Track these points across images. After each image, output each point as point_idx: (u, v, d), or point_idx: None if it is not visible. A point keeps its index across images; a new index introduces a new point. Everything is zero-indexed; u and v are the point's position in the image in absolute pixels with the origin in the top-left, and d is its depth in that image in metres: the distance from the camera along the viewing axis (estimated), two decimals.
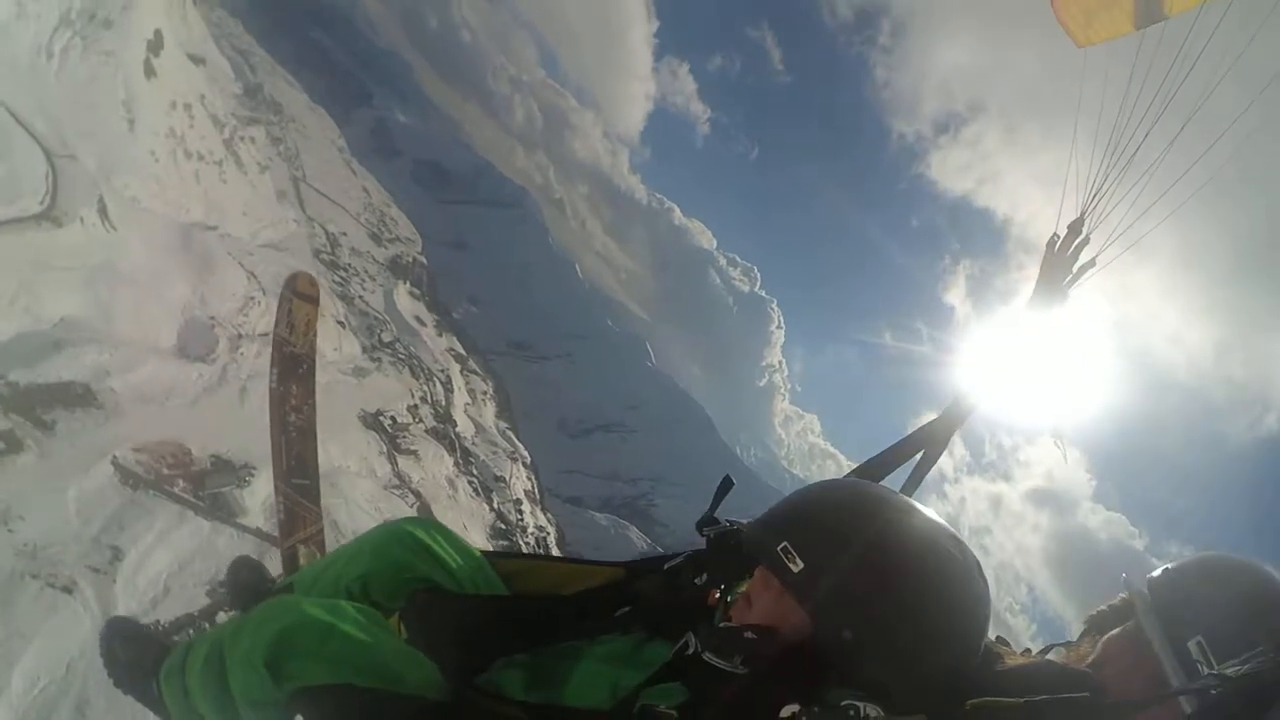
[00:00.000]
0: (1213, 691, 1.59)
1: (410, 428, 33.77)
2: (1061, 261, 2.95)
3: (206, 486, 15.22)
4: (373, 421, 30.61)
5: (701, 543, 2.08)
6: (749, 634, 1.69)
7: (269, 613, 2.00)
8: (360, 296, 44.57)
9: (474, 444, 43.71)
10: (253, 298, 23.54)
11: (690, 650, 1.78)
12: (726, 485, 2.10)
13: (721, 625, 1.82)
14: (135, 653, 2.56)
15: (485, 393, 55.25)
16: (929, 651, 1.62)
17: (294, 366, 4.73)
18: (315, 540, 4.49)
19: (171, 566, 11.83)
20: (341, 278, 44.61)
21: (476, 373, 56.61)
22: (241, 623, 2.08)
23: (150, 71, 20.75)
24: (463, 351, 56.04)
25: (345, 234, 49.23)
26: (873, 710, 1.50)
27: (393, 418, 32.42)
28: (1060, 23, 4.18)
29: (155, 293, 17.07)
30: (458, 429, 42.15)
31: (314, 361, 4.86)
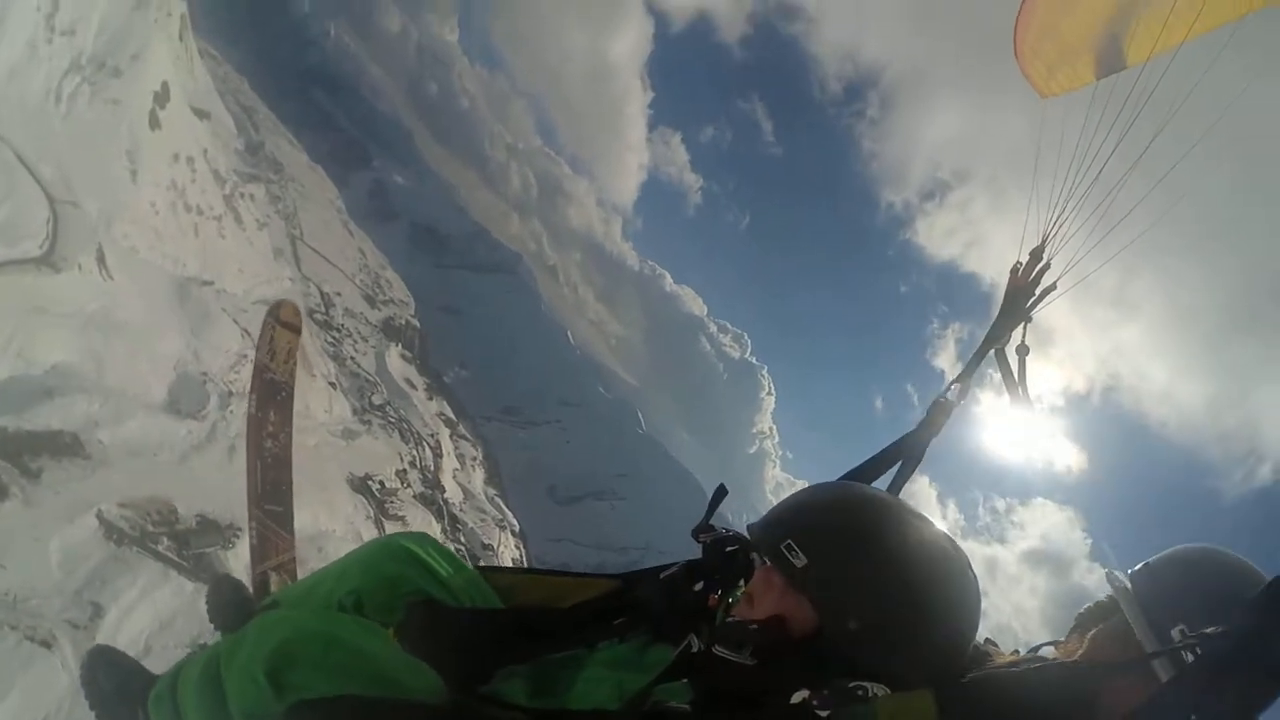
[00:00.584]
0: (1185, 655, 1.71)
1: (398, 492, 33.18)
2: (1024, 286, 3.16)
3: (191, 546, 14.71)
4: (360, 485, 29.99)
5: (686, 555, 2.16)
6: (754, 626, 1.74)
7: (267, 625, 1.96)
8: (352, 358, 44.30)
9: (462, 510, 42.86)
10: (245, 355, 23.00)
11: (695, 650, 1.82)
12: (721, 493, 2.15)
13: (728, 620, 1.85)
14: (120, 680, 2.50)
15: (475, 458, 54.56)
16: (928, 638, 1.70)
17: (273, 393, 4.73)
18: (287, 568, 4.55)
19: (153, 626, 11.45)
20: (334, 338, 44.33)
21: (466, 438, 56.01)
22: (239, 636, 2.02)
23: (155, 123, 20.66)
24: (453, 416, 55.55)
25: (340, 294, 49.14)
26: (879, 689, 1.61)
27: (381, 482, 31.87)
28: (1024, 75, 4.45)
29: (148, 345, 16.68)
30: (446, 495, 41.40)
31: (293, 389, 4.86)
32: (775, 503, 1.98)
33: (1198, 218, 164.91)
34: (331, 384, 35.52)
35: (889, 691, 1.62)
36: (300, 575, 4.25)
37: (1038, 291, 3.15)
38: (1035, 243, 3.24)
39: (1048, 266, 3.19)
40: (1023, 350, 3.09)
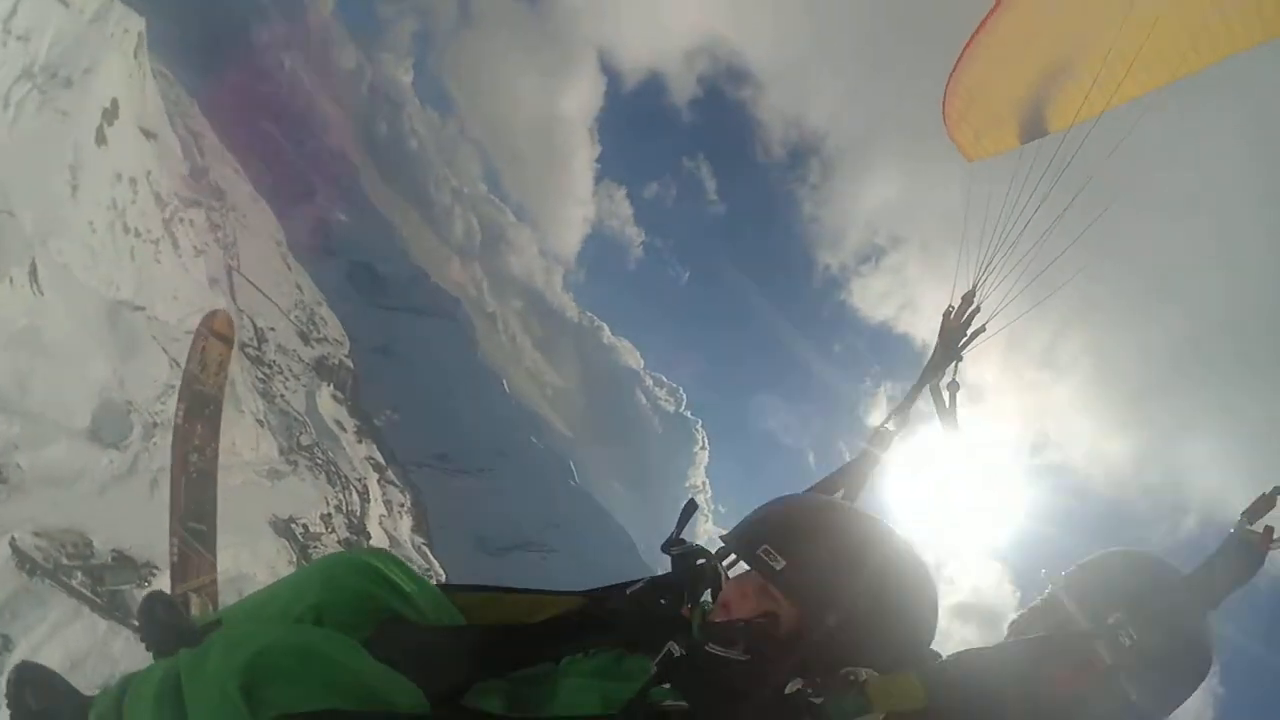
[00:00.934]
0: (1122, 639, 1.90)
1: (322, 537, 32.15)
2: (956, 327, 3.49)
3: (105, 583, 13.91)
4: (284, 528, 28.94)
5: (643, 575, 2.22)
6: (742, 624, 1.83)
7: (237, 638, 1.86)
8: (282, 395, 42.99)
9: None
10: (173, 386, 21.99)
11: (677, 655, 1.85)
12: (691, 507, 2.22)
13: (716, 621, 1.92)
14: (50, 701, 2.31)
15: (403, 505, 52.98)
16: (899, 627, 1.84)
17: (201, 406, 4.78)
18: (209, 590, 4.22)
19: (64, 664, 10.73)
20: (265, 374, 43.01)
21: (394, 484, 54.44)
22: (204, 649, 1.89)
23: (101, 139, 19.89)
24: (382, 461, 54.02)
25: (274, 329, 47.85)
26: (868, 673, 1.74)
27: (305, 526, 30.83)
28: (952, 139, 4.82)
29: (75, 367, 15.75)
30: (371, 542, 40.04)
31: (221, 403, 4.71)
32: None
33: (1124, 280, 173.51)
34: (259, 421, 34.31)
35: (875, 674, 1.75)
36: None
37: (968, 332, 3.48)
38: (967, 288, 3.56)
39: (978, 310, 3.51)
40: (953, 386, 3.37)
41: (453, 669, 2.01)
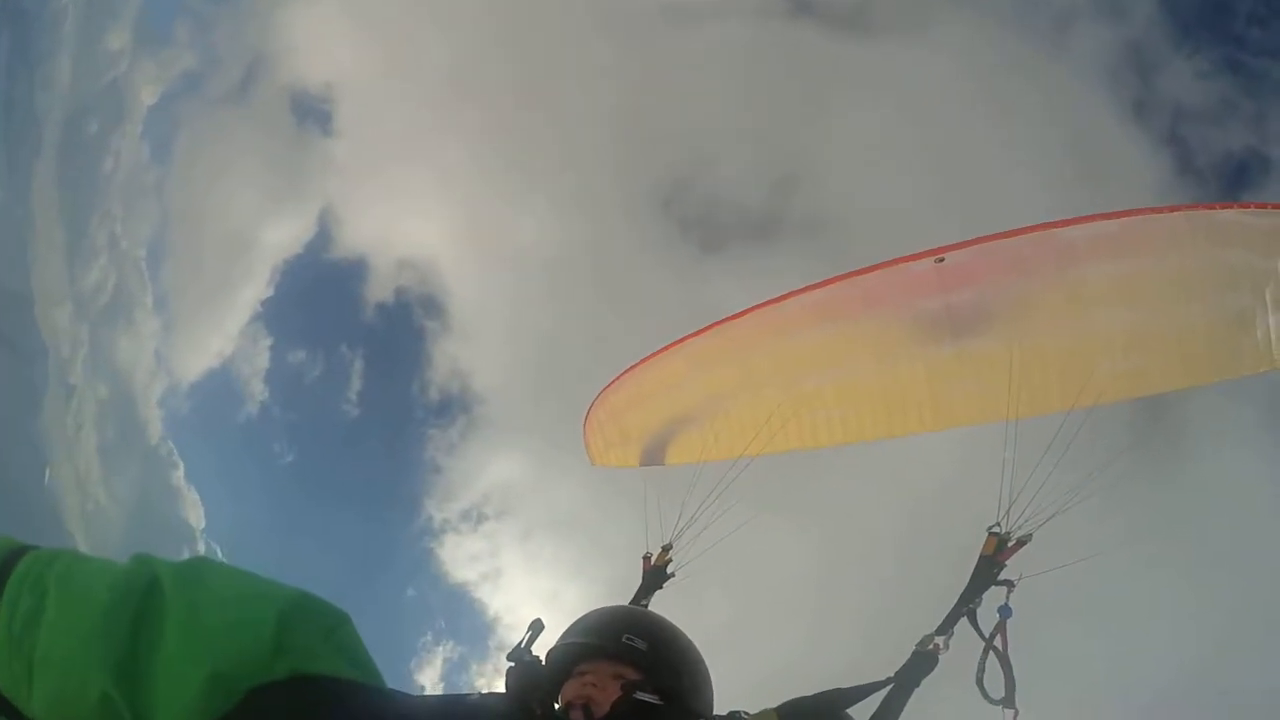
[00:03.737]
0: None
1: None
2: (657, 574, 3.99)
3: None
4: None
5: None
6: (639, 695, 2.21)
7: (239, 577, 1.54)
8: None
9: None
10: None
11: None
12: (539, 625, 2.53)
13: (632, 697, 2.23)
14: None
15: None
16: (709, 684, 2.43)
17: None
18: None
19: None
20: None
21: None
22: (199, 569, 1.49)
23: None
24: None
25: None
26: (747, 712, 2.35)
27: None
28: (585, 440, 5.55)
29: None
30: None
31: None
32: None
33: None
34: None
35: (749, 712, 2.36)
36: None
37: (663, 584, 3.97)
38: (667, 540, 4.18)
39: (671, 575, 4.02)
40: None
41: None
